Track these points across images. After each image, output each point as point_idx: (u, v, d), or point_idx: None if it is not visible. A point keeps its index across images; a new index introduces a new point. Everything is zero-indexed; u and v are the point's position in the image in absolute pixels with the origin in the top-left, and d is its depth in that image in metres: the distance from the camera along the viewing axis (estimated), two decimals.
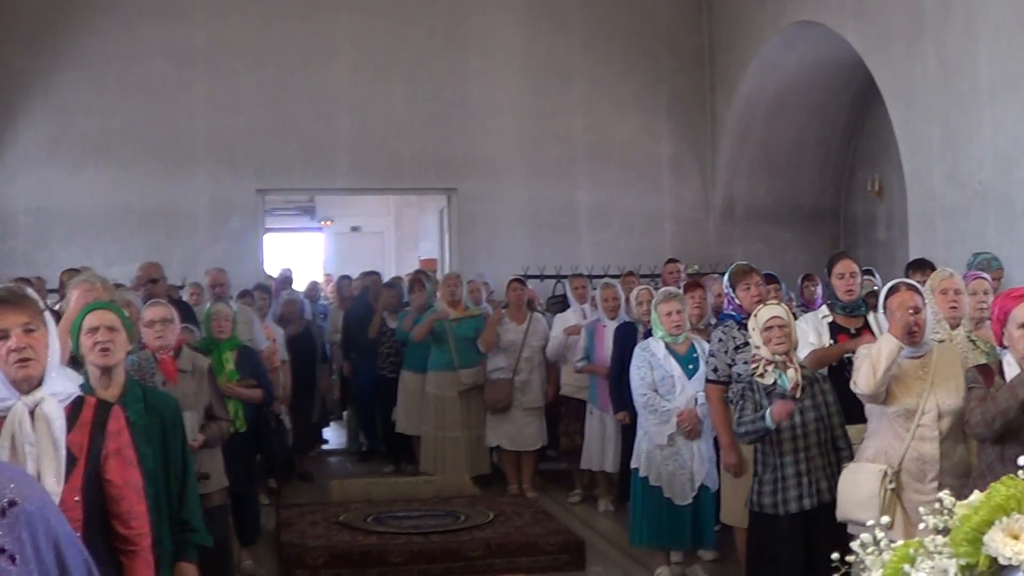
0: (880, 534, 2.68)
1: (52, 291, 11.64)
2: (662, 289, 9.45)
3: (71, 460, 3.93)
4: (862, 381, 6.27)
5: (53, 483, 3.81)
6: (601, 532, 10.81)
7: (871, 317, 7.75)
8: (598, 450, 11.39)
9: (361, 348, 14.12)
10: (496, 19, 16.32)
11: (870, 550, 2.67)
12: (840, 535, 6.41)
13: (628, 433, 10.12)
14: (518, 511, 10.64)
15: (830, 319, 7.65)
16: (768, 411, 6.76)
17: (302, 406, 13.02)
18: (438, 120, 16.03)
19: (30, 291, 4.05)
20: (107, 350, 5.03)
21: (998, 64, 10.27)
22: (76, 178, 15.33)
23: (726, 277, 8.52)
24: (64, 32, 15.31)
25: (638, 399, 8.91)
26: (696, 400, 8.67)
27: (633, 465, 9.03)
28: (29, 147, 15.31)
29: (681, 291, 9.45)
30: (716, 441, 8.62)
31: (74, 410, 4.04)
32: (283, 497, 11.57)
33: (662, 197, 16.61)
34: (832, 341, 7.53)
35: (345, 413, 15.91)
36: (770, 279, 10.24)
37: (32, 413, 3.87)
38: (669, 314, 8.72)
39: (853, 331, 7.63)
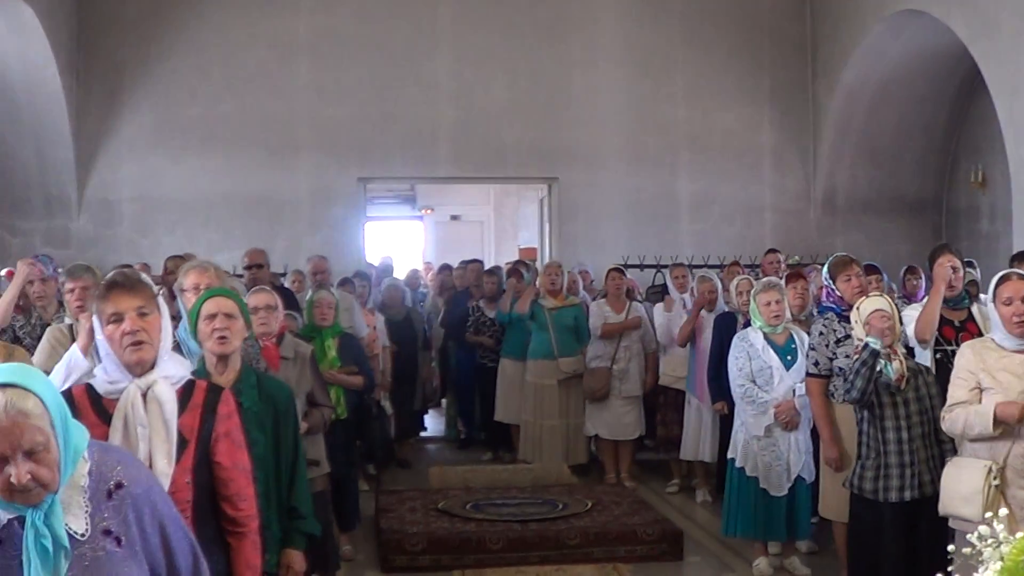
0: (999, 527, 2.65)
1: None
2: (762, 279, 9.36)
3: (182, 442, 3.99)
4: (947, 427, 6.22)
5: (164, 464, 3.89)
6: (699, 522, 10.80)
7: (975, 308, 7.67)
8: (696, 440, 11.37)
9: (461, 337, 14.18)
10: (598, 8, 16.29)
11: (988, 542, 2.64)
12: (942, 529, 6.36)
13: (726, 423, 10.11)
14: (616, 500, 10.64)
15: None
16: (867, 337, 6.75)
17: (404, 393, 13.12)
18: (539, 109, 16.05)
19: (144, 276, 4.11)
20: (224, 338, 5.09)
21: None
22: (180, 166, 15.54)
23: (825, 269, 8.44)
24: (168, 22, 15.51)
25: (736, 390, 8.87)
26: (794, 391, 8.61)
27: (730, 455, 9.02)
28: (134, 136, 15.53)
29: (781, 281, 9.40)
30: (813, 433, 8.59)
31: (185, 393, 4.10)
32: (382, 483, 11.65)
33: (763, 187, 16.51)
34: (937, 334, 7.45)
35: (444, 400, 15.96)
36: (872, 270, 10.15)
37: (144, 396, 3.94)
38: (768, 304, 8.65)
39: (957, 323, 7.56)
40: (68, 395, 4.03)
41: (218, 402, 4.16)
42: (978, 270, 10.81)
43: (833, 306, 8.23)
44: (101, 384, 4.01)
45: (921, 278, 11.38)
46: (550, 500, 10.56)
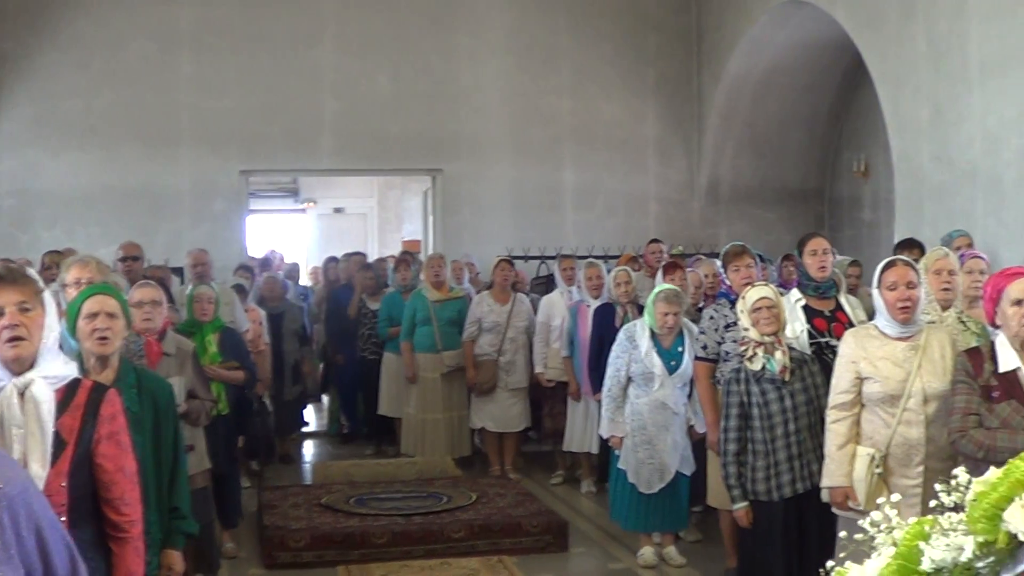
0: (892, 512, 2.63)
1: None
2: (667, 287, 9.15)
3: (60, 443, 3.89)
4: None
5: (38, 467, 3.78)
6: (584, 513, 10.84)
7: (842, 298, 7.71)
8: (580, 432, 11.38)
9: (343, 330, 14.07)
10: None
11: (881, 528, 2.62)
12: (828, 518, 6.40)
13: None
14: (501, 492, 10.65)
15: (803, 302, 7.58)
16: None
17: (277, 387, 12.94)
18: (423, 101, 15.97)
19: (30, 270, 3.99)
20: (105, 339, 4.96)
21: (988, 44, 10.19)
22: (59, 160, 15.26)
23: (720, 257, 8.54)
24: (49, 14, 15.21)
25: (604, 389, 8.98)
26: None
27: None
28: (12, 129, 15.23)
29: (687, 297, 9.46)
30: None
31: (68, 393, 4.00)
32: (264, 479, 11.55)
33: (647, 178, 16.58)
34: (808, 325, 7.46)
35: (325, 395, 15.83)
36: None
37: (22, 395, 3.83)
38: (665, 314, 8.64)
39: (827, 313, 7.57)
40: None
41: (101, 403, 4.05)
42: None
43: (726, 293, 8.40)
44: None
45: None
46: (434, 493, 10.54)
